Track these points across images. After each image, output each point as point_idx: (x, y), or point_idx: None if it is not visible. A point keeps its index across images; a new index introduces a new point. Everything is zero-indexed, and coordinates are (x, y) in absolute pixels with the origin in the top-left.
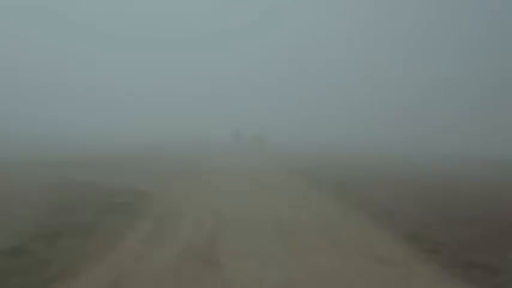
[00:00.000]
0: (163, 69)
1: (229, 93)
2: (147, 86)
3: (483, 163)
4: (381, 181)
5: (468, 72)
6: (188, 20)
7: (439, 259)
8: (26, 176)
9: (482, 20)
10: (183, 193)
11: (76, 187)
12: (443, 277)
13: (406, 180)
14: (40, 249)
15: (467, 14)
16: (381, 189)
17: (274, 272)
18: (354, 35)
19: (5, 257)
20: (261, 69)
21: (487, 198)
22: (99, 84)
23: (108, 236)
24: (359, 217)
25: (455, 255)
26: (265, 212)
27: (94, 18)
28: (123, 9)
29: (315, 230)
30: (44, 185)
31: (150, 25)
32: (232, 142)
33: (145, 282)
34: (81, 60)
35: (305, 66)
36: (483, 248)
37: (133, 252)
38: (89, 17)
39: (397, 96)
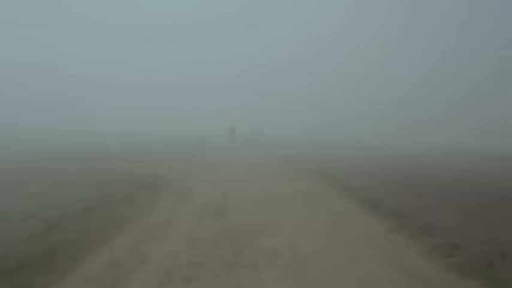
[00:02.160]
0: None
1: (225, 89)
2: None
3: (465, 154)
4: (359, 168)
5: (460, 67)
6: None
7: (377, 213)
8: (56, 167)
9: (479, 13)
10: (192, 177)
11: (106, 174)
12: (373, 221)
13: (381, 168)
14: (105, 208)
15: (462, 7)
16: (355, 174)
17: (262, 219)
18: (347, 28)
19: (84, 212)
20: (255, 64)
21: (447, 181)
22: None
23: (147, 202)
24: (328, 191)
25: (390, 211)
26: (257, 188)
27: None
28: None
29: (293, 198)
30: (80, 173)
31: (141, 16)
32: (228, 139)
33: (182, 223)
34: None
35: (299, 62)
36: (416, 209)
37: (168, 209)
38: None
39: (391, 90)
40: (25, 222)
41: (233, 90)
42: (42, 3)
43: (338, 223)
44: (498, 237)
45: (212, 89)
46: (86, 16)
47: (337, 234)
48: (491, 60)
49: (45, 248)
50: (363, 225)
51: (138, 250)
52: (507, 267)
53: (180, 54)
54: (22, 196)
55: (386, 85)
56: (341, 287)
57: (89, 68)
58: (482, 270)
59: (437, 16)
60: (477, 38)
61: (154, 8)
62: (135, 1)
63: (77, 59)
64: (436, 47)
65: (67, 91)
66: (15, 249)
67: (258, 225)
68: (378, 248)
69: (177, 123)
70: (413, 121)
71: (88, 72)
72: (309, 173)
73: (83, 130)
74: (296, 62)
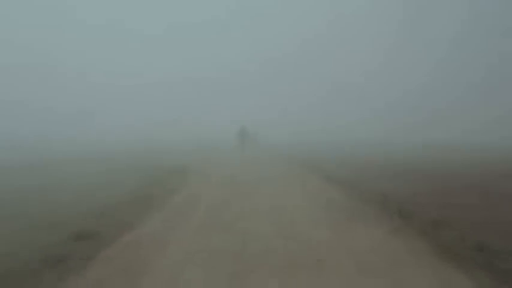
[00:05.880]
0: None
1: (219, 91)
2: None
3: (456, 149)
4: (342, 161)
5: (462, 63)
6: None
7: (336, 184)
8: (99, 162)
9: (480, 6)
10: (209, 166)
11: (144, 166)
12: (336, 190)
13: (363, 161)
14: (164, 179)
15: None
16: (336, 164)
17: (258, 188)
18: (345, 26)
19: (155, 184)
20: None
21: (416, 171)
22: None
23: (183, 178)
24: (308, 174)
25: (349, 185)
26: (255, 173)
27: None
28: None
29: (281, 178)
30: (130, 166)
31: (130, 19)
32: (237, 141)
33: (208, 190)
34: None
35: (298, 61)
36: (354, 180)
37: (197, 183)
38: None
39: (392, 89)
40: (124, 190)
41: (231, 91)
42: (46, 4)
43: (304, 185)
44: (388, 191)
45: (209, 90)
46: (90, 18)
47: (301, 189)
48: (493, 55)
49: (146, 194)
50: (317, 185)
51: (194, 195)
52: (388, 203)
53: (171, 56)
54: (110, 180)
55: (387, 83)
56: (293, 205)
57: (94, 71)
58: (371, 202)
59: (438, 11)
60: (476, 36)
61: (156, 9)
62: (133, 3)
63: (81, 62)
64: (437, 44)
65: (73, 97)
66: (133, 193)
67: (254, 190)
68: (323, 194)
69: (170, 127)
70: (416, 118)
71: (94, 76)
72: (296, 163)
73: (89, 138)
74: (292, 61)
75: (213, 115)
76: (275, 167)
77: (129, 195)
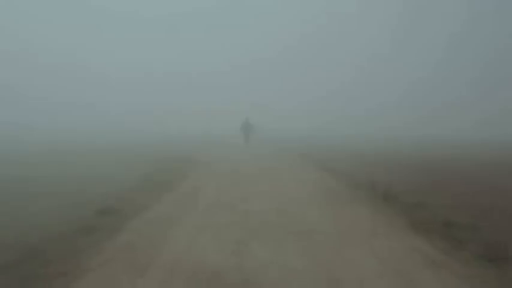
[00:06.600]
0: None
1: (218, 85)
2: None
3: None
4: (341, 155)
5: (458, 63)
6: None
7: (327, 172)
8: (116, 152)
9: (475, 7)
10: (215, 158)
11: (157, 157)
12: (320, 172)
13: (354, 155)
14: (175, 170)
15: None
16: (329, 157)
17: (259, 175)
18: (345, 24)
19: (166, 171)
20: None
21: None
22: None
23: (194, 166)
24: (305, 164)
25: (339, 173)
26: (256, 161)
27: None
28: None
29: (280, 166)
30: (138, 157)
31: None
32: (241, 133)
33: (217, 174)
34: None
35: (294, 59)
36: (361, 173)
37: (206, 170)
38: None
39: (391, 85)
40: (135, 181)
41: (228, 87)
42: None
43: (301, 172)
44: (380, 180)
45: (208, 84)
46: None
47: (299, 176)
48: (491, 54)
49: (156, 181)
50: (313, 174)
51: (197, 183)
52: (376, 189)
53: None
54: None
55: (388, 80)
56: (291, 190)
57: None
58: (361, 187)
59: (437, 9)
60: (475, 35)
61: None
62: None
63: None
64: (436, 43)
65: (84, 90)
66: (147, 180)
67: (257, 176)
68: (320, 181)
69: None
70: (416, 115)
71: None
72: (294, 154)
73: (98, 129)
74: (290, 59)
75: (216, 109)
76: (277, 159)
77: (140, 182)
